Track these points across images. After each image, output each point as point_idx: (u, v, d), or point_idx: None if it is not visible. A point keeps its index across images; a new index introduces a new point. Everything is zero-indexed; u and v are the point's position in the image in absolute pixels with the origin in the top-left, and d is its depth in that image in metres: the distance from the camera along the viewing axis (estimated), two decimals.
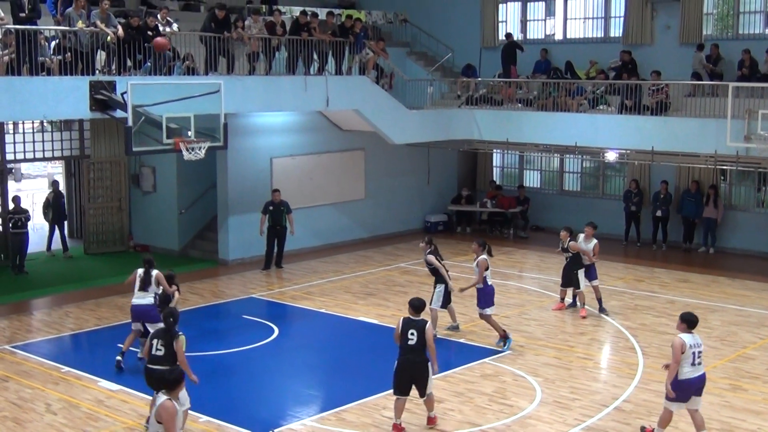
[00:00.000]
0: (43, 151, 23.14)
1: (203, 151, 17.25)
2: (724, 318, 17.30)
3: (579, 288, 17.49)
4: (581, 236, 17.98)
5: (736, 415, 12.44)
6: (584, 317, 17.12)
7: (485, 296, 15.44)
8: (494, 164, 28.20)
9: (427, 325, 11.73)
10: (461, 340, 15.80)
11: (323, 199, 23.75)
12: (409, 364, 11.58)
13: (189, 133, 17.11)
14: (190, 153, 17.04)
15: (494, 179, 27.71)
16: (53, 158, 24.47)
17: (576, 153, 23.41)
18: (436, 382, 13.63)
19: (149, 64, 18.23)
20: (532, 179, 27.76)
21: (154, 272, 14.13)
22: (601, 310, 17.49)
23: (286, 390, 13.66)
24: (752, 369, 14.36)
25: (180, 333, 11.29)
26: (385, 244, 24.41)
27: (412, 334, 11.53)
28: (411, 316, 11.67)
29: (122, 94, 16.72)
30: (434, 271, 15.84)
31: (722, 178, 23.86)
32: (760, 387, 13.54)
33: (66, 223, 23.39)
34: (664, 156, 21.57)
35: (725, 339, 15.95)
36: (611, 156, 23.38)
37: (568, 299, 17.97)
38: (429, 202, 26.79)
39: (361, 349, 15.79)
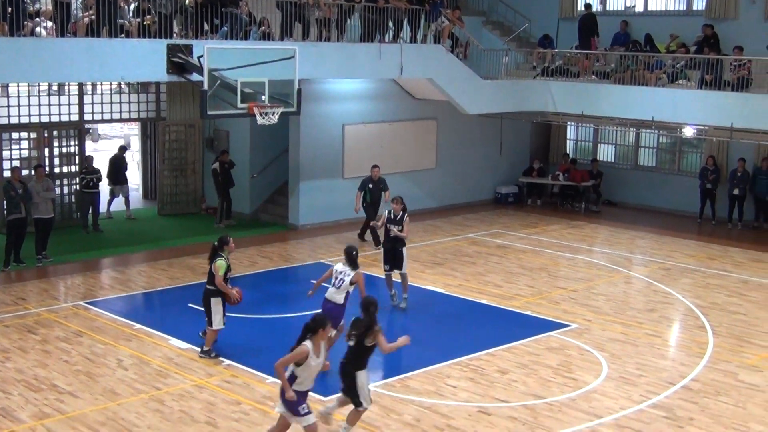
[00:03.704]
0: (120, 112, 23.53)
1: (276, 116, 17.35)
2: None
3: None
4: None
5: None
6: None
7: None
8: (568, 137, 27.89)
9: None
10: (527, 313, 15.72)
11: (394, 167, 23.72)
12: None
13: (263, 98, 17.21)
14: (264, 118, 17.15)
15: (567, 152, 27.40)
16: (130, 120, 24.86)
17: (652, 128, 23.02)
18: (501, 353, 13.64)
19: (226, 28, 18.38)
20: (606, 153, 27.37)
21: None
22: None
23: None
24: None
25: (219, 258, 12.78)
26: (454, 214, 24.35)
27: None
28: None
29: (199, 58, 16.89)
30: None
31: None
32: None
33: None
34: (743, 133, 21.06)
35: None
36: (689, 132, 22.92)
37: None
38: (500, 173, 26.62)
39: (427, 318, 15.81)
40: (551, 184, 26.39)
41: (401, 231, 15.75)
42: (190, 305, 15.59)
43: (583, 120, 24.29)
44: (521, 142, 27.18)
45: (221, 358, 13.09)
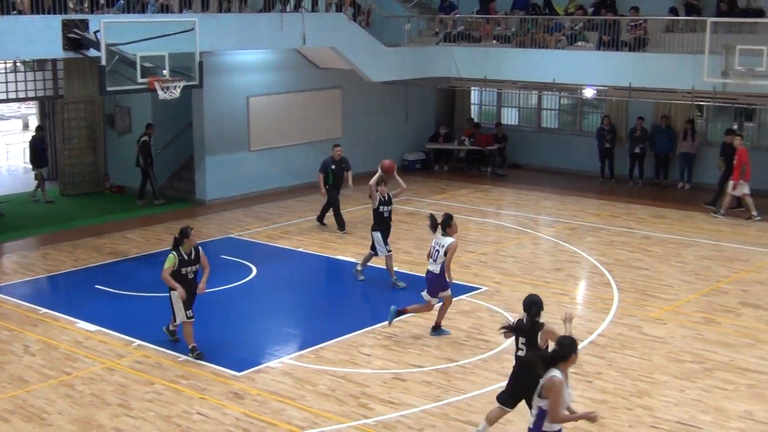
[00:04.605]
0: (17, 91, 22.85)
1: (178, 90, 17.10)
2: (698, 253, 17.50)
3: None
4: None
5: (708, 347, 12.63)
6: None
7: None
8: (472, 102, 28.13)
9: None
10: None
11: (300, 138, 23.64)
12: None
13: (164, 72, 16.93)
14: (165, 92, 16.88)
15: (472, 117, 27.65)
16: (27, 99, 24.19)
17: (554, 90, 23.38)
18: (414, 319, 13.77)
19: (122, 1, 17.96)
20: (509, 116, 27.73)
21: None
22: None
23: (264, 329, 13.75)
24: (725, 303, 14.55)
25: (171, 253, 12.10)
26: (362, 182, 24.22)
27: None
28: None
29: (95, 33, 16.49)
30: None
31: (699, 113, 23.92)
32: (732, 320, 13.74)
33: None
34: (641, 92, 21.56)
35: (699, 273, 16.14)
36: (589, 93, 23.35)
37: None
38: (407, 140, 26.72)
39: (339, 288, 15.89)
40: (457, 149, 26.61)
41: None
42: (97, 287, 15.35)
43: (486, 84, 24.52)
44: (426, 108, 27.32)
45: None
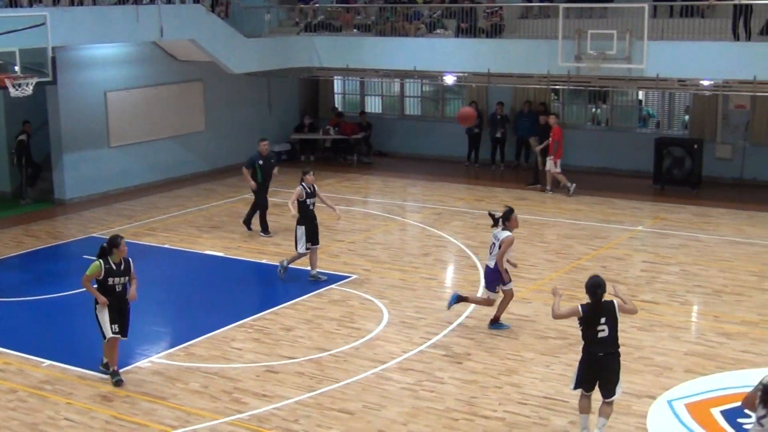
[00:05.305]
0: None
1: (31, 87, 16.52)
2: (559, 232, 18.06)
3: None
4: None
5: (571, 323, 12.93)
6: None
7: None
8: (335, 91, 28.19)
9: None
10: (308, 268, 15.84)
11: (162, 132, 23.19)
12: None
13: (15, 68, 16.34)
14: (17, 89, 16.29)
15: (336, 106, 27.71)
16: None
17: (415, 77, 23.63)
18: (285, 310, 13.74)
19: None
20: (373, 105, 27.93)
21: None
22: None
23: (132, 328, 13.36)
24: (586, 279, 15.00)
25: (96, 260, 11.06)
26: (227, 176, 24.09)
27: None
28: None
29: None
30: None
31: (555, 97, 24.64)
32: None
33: None
34: (500, 78, 22.05)
35: (560, 252, 16.66)
36: (449, 79, 23.72)
37: None
38: (271, 131, 26.47)
39: (208, 283, 15.67)
40: (323, 138, 26.62)
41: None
42: None
43: (348, 73, 24.62)
44: (290, 99, 27.22)
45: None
